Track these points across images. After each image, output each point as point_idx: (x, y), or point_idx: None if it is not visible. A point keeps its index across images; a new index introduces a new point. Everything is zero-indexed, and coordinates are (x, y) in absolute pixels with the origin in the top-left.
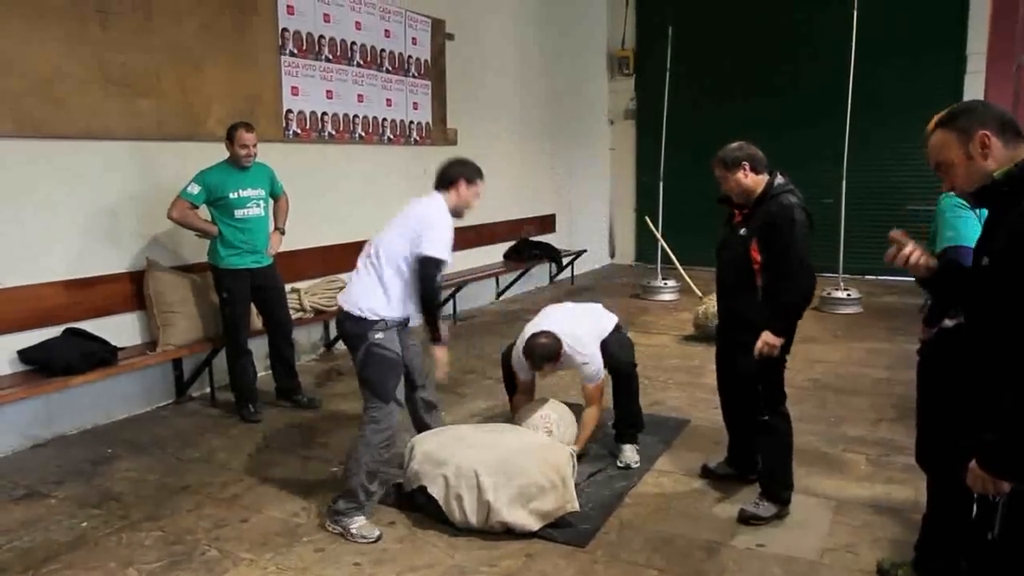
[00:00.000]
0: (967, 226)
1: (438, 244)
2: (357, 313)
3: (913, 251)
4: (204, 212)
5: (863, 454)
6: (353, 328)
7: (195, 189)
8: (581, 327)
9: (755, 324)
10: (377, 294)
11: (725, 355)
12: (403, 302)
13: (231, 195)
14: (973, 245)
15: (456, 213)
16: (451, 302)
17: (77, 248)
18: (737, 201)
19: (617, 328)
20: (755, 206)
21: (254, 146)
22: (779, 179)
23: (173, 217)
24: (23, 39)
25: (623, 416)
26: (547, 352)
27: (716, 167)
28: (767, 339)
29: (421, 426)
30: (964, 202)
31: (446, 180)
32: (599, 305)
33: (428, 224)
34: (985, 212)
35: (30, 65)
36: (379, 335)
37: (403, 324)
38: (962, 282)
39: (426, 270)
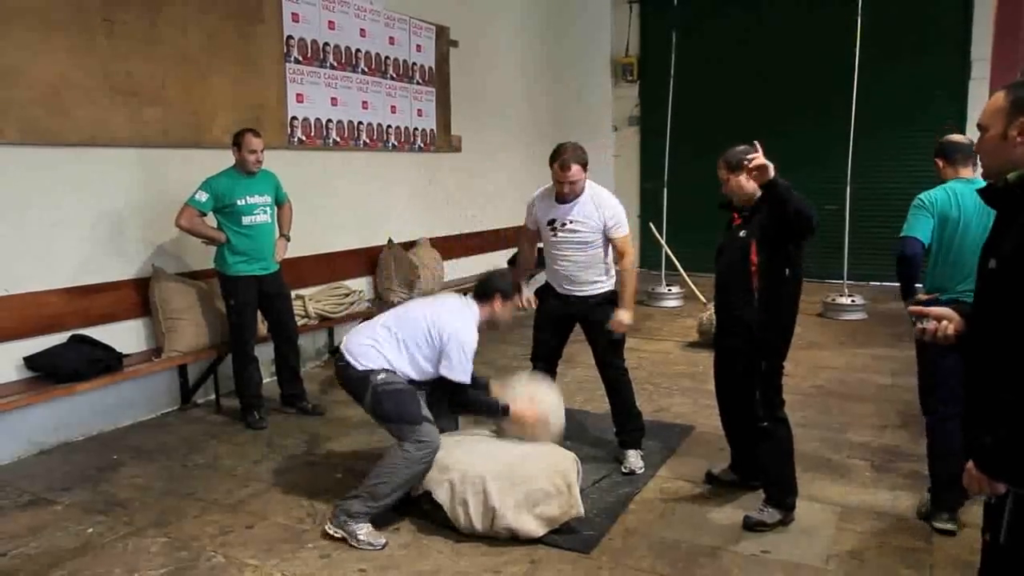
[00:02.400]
0: (919, 222)
1: (458, 371)
2: (359, 367)
3: (937, 327)
4: (210, 219)
5: (868, 460)
6: (355, 375)
7: (203, 196)
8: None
9: (751, 327)
10: (385, 360)
11: (723, 360)
12: (413, 372)
13: (239, 202)
14: (922, 238)
15: (490, 326)
16: None
17: (83, 255)
18: (737, 204)
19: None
20: (755, 209)
21: (261, 151)
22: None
23: (181, 225)
24: (30, 49)
25: (622, 420)
26: (579, 151)
27: (720, 168)
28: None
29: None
30: (924, 200)
31: (484, 294)
32: None
33: (450, 338)
34: (940, 211)
35: (37, 74)
36: (381, 376)
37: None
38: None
39: (457, 393)
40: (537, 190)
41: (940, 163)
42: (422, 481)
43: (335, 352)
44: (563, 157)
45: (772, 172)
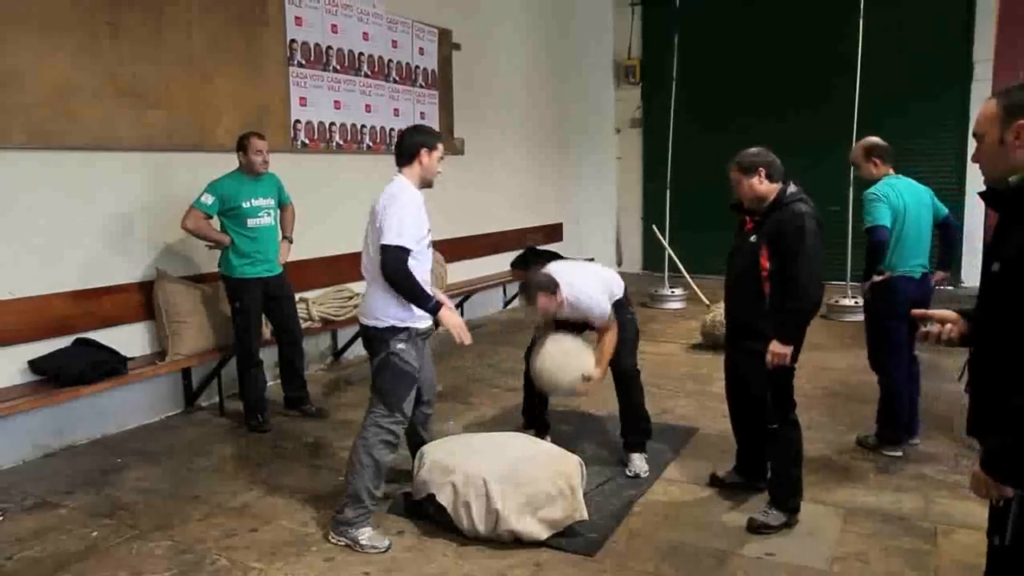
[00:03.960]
0: (882, 213)
1: (391, 231)
2: (375, 323)
3: (941, 330)
4: (214, 222)
5: (872, 462)
6: (376, 334)
7: (209, 199)
8: (581, 276)
9: (761, 332)
10: (389, 300)
11: (733, 363)
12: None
13: (244, 204)
14: (888, 226)
15: (425, 184)
16: (460, 311)
17: (88, 258)
18: (748, 207)
19: (625, 303)
20: (767, 214)
21: (267, 153)
22: (792, 187)
23: (187, 227)
24: (35, 52)
25: (630, 423)
26: (543, 282)
27: (732, 170)
28: (775, 348)
29: (415, 439)
30: (879, 194)
31: (406, 154)
32: (611, 270)
33: (385, 211)
34: (892, 203)
35: (42, 78)
36: (400, 345)
37: (426, 335)
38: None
39: (385, 259)
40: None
41: (876, 162)
42: (424, 483)
43: (339, 356)
44: (528, 294)
45: (786, 354)
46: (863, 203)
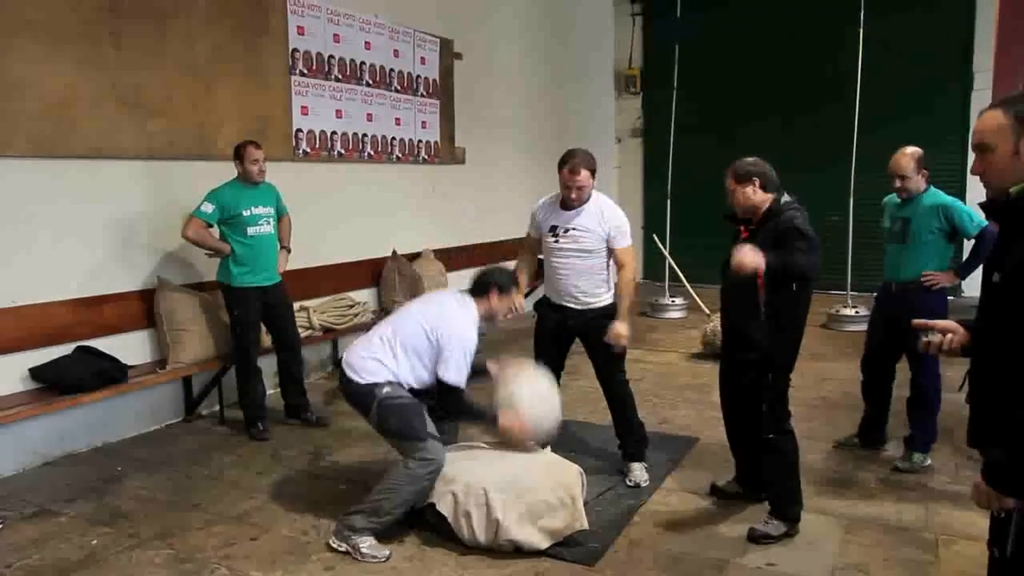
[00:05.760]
0: (976, 213)
1: (453, 369)
2: (362, 382)
3: (943, 340)
4: (214, 231)
5: (872, 472)
6: (359, 390)
7: (209, 208)
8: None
9: (757, 342)
10: (388, 371)
11: (729, 373)
12: (414, 381)
13: (244, 213)
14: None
15: (487, 318)
16: None
17: (89, 267)
18: (742, 216)
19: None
20: (761, 223)
21: (263, 161)
22: (786, 197)
23: (188, 236)
24: (39, 62)
25: (625, 432)
26: (589, 157)
27: (728, 178)
28: (751, 255)
29: None
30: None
31: (480, 288)
32: None
33: (450, 339)
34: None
35: (45, 87)
36: (386, 390)
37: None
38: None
39: (449, 396)
40: (540, 200)
41: (925, 173)
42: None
43: (339, 364)
44: (573, 161)
45: (751, 264)
46: (951, 211)
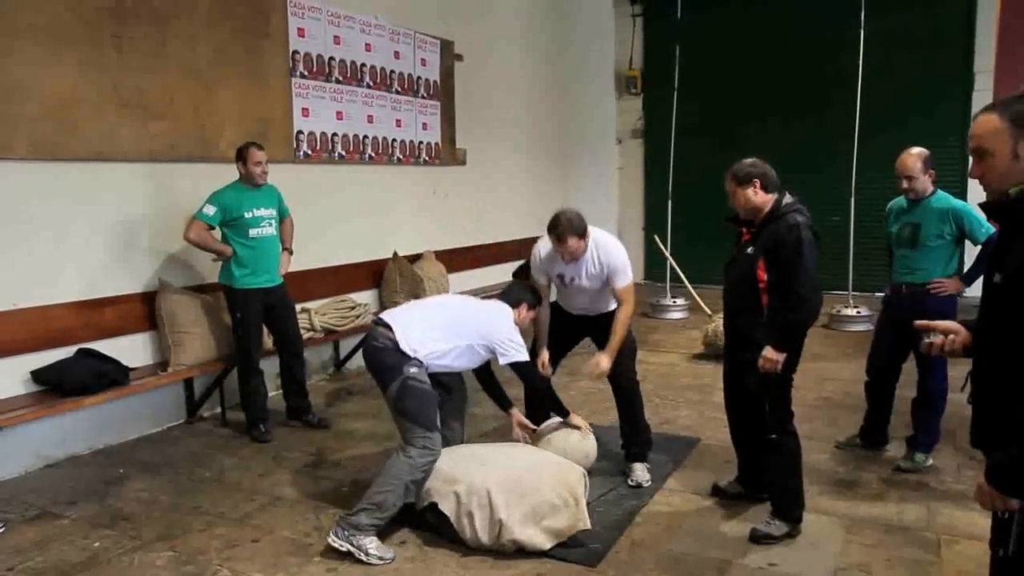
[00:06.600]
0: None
1: (514, 353)
2: (403, 347)
3: (944, 342)
4: (216, 233)
5: (875, 473)
6: (390, 359)
7: (211, 210)
8: (608, 236)
9: (760, 343)
10: (429, 345)
11: (732, 374)
12: (439, 361)
13: (246, 214)
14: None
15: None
16: None
17: (90, 269)
18: (743, 218)
19: None
20: (763, 225)
21: (265, 163)
22: (787, 198)
23: (190, 238)
24: (39, 64)
25: (630, 433)
26: (575, 223)
27: (728, 180)
28: (768, 354)
29: None
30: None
31: (513, 299)
32: None
33: (501, 334)
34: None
35: (46, 89)
36: (414, 370)
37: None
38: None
39: (526, 372)
40: (541, 247)
41: (932, 173)
42: (427, 492)
43: (340, 366)
44: (558, 231)
45: (778, 360)
46: (962, 217)
